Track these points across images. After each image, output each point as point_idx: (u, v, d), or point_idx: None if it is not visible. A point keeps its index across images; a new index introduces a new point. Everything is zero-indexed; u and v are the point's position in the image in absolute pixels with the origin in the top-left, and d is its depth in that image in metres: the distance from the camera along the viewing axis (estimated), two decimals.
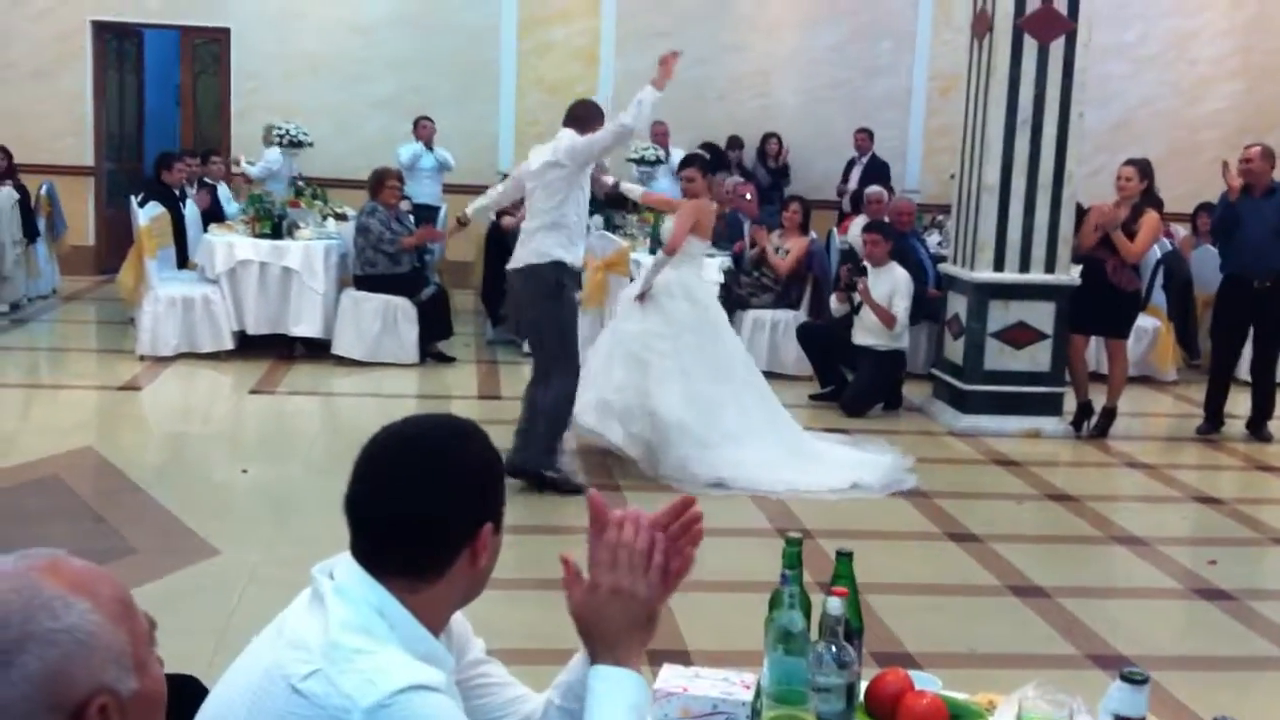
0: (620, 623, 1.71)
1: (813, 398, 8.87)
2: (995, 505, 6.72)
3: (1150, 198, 8.21)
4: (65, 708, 1.14)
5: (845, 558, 2.27)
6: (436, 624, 1.73)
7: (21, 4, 12.36)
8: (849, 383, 8.68)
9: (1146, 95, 13.52)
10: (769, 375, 9.46)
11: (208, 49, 13.03)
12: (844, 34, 13.26)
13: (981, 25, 8.29)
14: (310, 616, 1.67)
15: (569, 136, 6.34)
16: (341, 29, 12.66)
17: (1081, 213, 8.42)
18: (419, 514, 1.69)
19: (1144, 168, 8.04)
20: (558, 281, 6.36)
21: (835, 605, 2.23)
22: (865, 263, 8.62)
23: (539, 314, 6.47)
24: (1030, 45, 8.01)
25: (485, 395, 8.75)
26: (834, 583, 2.25)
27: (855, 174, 12.69)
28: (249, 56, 12.52)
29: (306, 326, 9.28)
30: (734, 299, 9.66)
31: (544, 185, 6.33)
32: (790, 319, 9.59)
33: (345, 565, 1.72)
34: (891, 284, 8.45)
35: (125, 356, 9.13)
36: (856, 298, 8.54)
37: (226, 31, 12.58)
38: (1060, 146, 8.08)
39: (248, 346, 9.32)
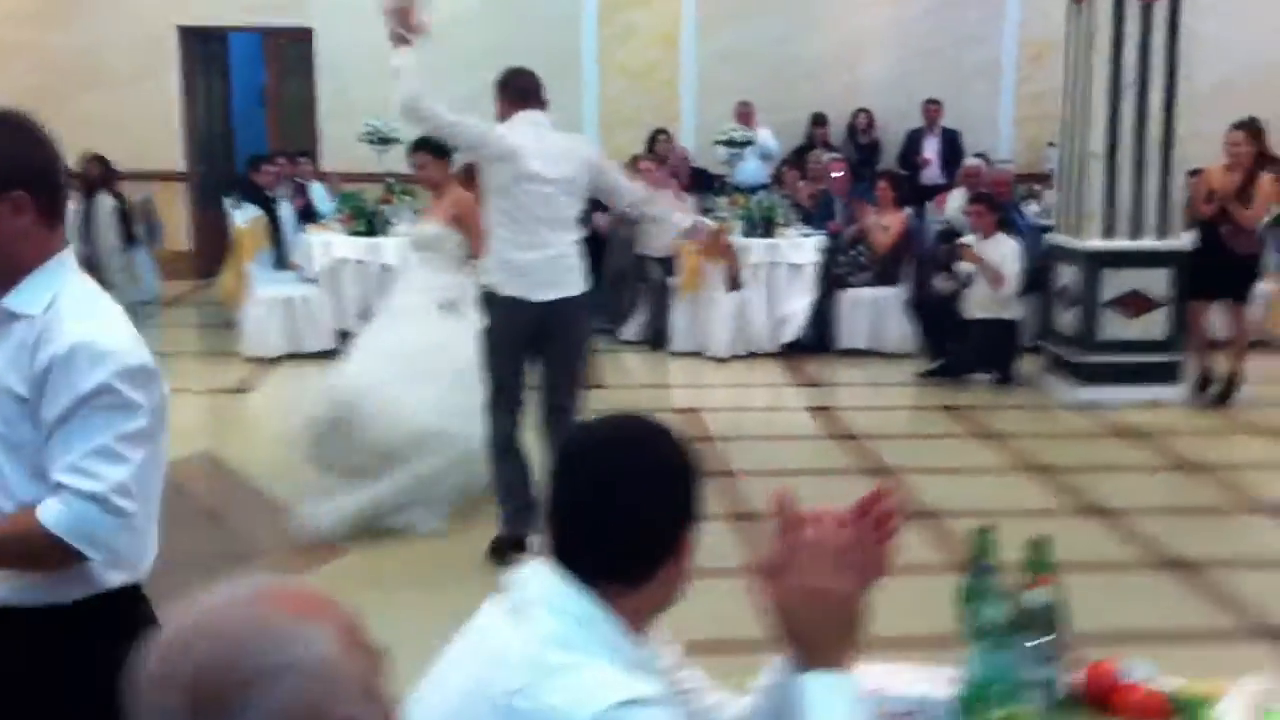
0: (824, 625, 1.61)
1: (920, 375, 8.72)
2: (1123, 478, 6.54)
3: (1265, 159, 7.94)
4: None
5: (1041, 544, 2.18)
6: (642, 630, 1.66)
7: (110, 11, 12.48)
8: (959, 353, 8.51)
9: (1255, 53, 13.07)
10: (870, 354, 9.39)
11: (292, 49, 13.06)
12: (932, 3, 13.00)
13: None
14: (510, 629, 1.60)
15: (579, 140, 5.51)
16: None
17: (1193, 177, 8.18)
18: (633, 516, 1.63)
19: (1254, 130, 7.78)
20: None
21: (1039, 596, 2.14)
22: (971, 235, 8.44)
23: (583, 347, 5.41)
24: (1133, 7, 7.77)
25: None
26: (1033, 571, 2.16)
27: (932, 147, 12.46)
28: (333, 55, 12.54)
29: None
30: (831, 279, 9.53)
31: (575, 191, 5.18)
32: (890, 296, 9.43)
33: (543, 574, 1.64)
34: (999, 255, 8.27)
35: (231, 359, 9.20)
36: (963, 271, 8.36)
37: (309, 31, 12.61)
38: (1168, 110, 7.84)
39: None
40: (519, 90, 5.18)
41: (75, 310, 2.16)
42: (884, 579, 1.68)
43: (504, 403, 5.19)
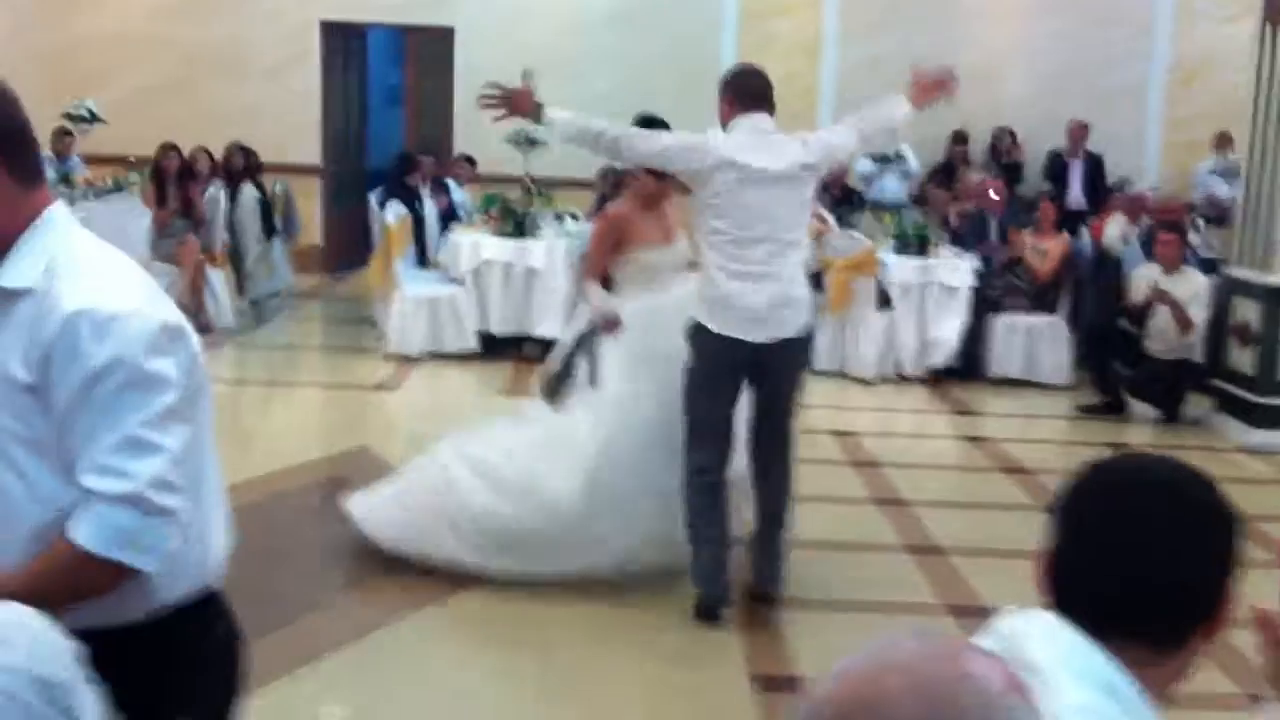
0: None
1: (1081, 409, 8.42)
2: None
3: None
4: None
5: None
6: (1160, 702, 1.46)
7: (253, 5, 12.51)
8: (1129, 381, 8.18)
9: None
10: (1024, 384, 9.09)
11: (431, 47, 12.98)
12: (1073, 21, 12.63)
13: (1275, 10, 7.71)
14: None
15: (794, 137, 4.70)
16: (563, 27, 12.54)
17: None
18: (1185, 570, 1.44)
19: None
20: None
21: None
22: (1151, 267, 8.11)
23: (796, 388, 4.83)
24: None
25: None
26: None
27: (1076, 169, 12.05)
28: (472, 55, 12.45)
29: (548, 327, 9.14)
30: (985, 302, 9.26)
31: (796, 199, 4.64)
32: (1047, 324, 9.14)
33: (1054, 632, 1.42)
34: (1190, 289, 7.93)
35: (367, 355, 9.14)
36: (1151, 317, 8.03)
37: (450, 30, 12.54)
38: None
39: (488, 348, 9.22)
40: (749, 93, 4.65)
41: (73, 272, 1.85)
42: None
43: (707, 440, 4.67)
